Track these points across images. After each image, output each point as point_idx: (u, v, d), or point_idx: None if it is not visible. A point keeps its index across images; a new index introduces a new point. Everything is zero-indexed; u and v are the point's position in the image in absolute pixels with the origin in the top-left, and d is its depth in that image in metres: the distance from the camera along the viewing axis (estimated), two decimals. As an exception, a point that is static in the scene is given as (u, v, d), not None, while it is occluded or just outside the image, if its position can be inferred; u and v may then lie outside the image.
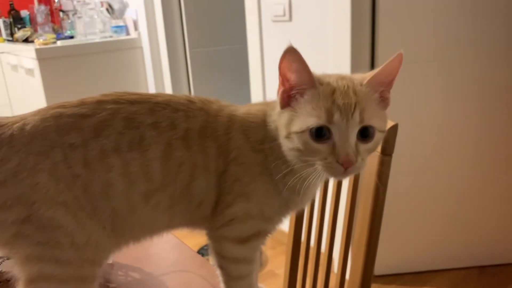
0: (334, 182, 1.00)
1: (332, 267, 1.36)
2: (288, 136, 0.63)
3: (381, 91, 0.64)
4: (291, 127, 0.62)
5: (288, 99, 0.63)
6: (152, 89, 3.04)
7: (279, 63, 0.61)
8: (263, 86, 2.25)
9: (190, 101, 0.67)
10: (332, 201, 1.01)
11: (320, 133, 0.60)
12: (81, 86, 2.81)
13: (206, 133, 0.65)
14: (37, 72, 2.73)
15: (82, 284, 0.63)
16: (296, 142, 0.62)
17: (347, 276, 0.95)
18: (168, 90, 2.95)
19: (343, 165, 0.59)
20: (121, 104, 0.63)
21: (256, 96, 2.31)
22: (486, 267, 2.08)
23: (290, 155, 0.64)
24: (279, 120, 0.65)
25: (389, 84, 0.64)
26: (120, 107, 0.63)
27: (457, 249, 2.07)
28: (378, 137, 0.64)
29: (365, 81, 0.63)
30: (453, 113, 1.89)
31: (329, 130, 0.60)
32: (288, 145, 0.63)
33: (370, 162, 0.83)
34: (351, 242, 0.96)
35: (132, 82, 3.03)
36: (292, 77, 0.62)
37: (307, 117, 0.61)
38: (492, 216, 2.04)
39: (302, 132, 0.61)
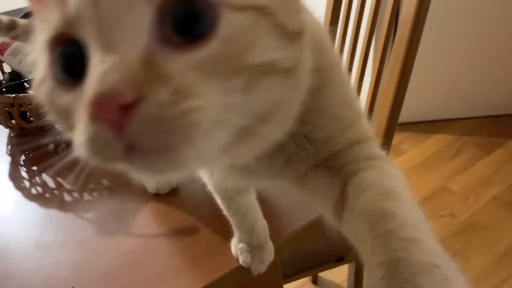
0: (367, 27, 0.96)
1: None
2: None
3: None
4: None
5: None
6: None
7: None
8: None
9: None
10: (362, 50, 0.98)
11: (69, 64, 0.26)
12: None
13: None
14: None
15: None
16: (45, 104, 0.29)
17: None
18: None
19: (101, 118, 0.22)
20: None
21: None
22: (500, 116, 2.11)
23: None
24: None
25: None
26: None
27: (472, 98, 2.07)
28: (241, 28, 0.24)
29: None
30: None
31: (80, 48, 0.24)
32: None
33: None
34: (379, 89, 0.96)
35: None
36: None
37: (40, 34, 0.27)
38: (508, 64, 1.99)
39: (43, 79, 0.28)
